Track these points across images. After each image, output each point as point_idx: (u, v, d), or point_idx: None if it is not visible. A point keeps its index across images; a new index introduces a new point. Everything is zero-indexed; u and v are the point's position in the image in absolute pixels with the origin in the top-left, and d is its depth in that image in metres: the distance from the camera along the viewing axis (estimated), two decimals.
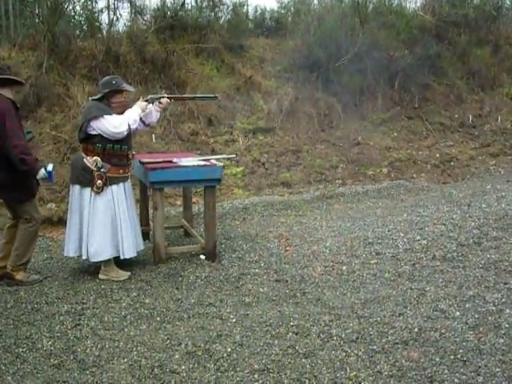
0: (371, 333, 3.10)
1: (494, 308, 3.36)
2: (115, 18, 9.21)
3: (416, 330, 3.11)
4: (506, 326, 3.12)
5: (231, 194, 6.83)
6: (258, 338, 3.08)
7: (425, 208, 5.93)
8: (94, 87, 7.26)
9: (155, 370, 2.78)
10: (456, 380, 2.61)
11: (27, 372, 2.80)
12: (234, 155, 6.63)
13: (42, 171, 3.83)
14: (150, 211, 4.94)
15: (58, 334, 3.20)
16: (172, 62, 8.31)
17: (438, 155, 8.49)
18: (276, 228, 5.46)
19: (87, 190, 3.99)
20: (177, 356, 2.91)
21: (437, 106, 9.68)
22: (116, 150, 4.04)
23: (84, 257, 4.08)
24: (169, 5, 9.36)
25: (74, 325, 3.33)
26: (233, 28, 10.07)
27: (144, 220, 5.12)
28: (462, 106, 9.87)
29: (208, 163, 4.55)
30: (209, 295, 3.75)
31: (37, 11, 9.43)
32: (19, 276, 3.99)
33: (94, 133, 3.97)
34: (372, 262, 4.32)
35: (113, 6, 9.42)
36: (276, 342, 3.04)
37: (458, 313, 3.32)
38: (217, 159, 4.87)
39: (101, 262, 4.08)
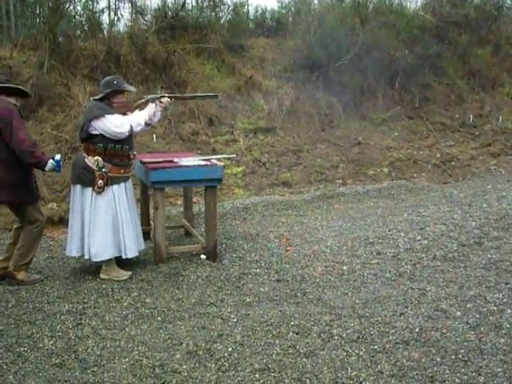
0: (372, 332, 3.10)
1: (495, 308, 3.37)
2: (116, 19, 9.24)
3: (417, 329, 3.11)
4: (507, 325, 3.12)
5: (232, 193, 6.83)
6: (259, 338, 3.09)
7: (425, 208, 5.93)
8: (94, 87, 7.27)
9: (156, 369, 2.78)
10: (457, 380, 2.61)
11: (29, 371, 2.80)
12: (234, 155, 6.64)
13: (51, 162, 3.85)
14: (151, 211, 4.94)
15: (60, 334, 3.20)
16: (173, 61, 8.32)
17: (438, 155, 8.49)
18: (277, 228, 5.47)
19: (88, 190, 3.99)
20: (178, 355, 2.92)
21: (437, 105, 9.68)
22: (117, 150, 4.04)
23: (86, 257, 4.08)
24: (169, 5, 9.39)
25: (75, 324, 3.33)
26: (233, 28, 10.07)
27: (145, 220, 5.12)
28: (463, 105, 9.86)
29: (209, 163, 4.55)
30: (210, 295, 3.76)
31: (38, 11, 9.44)
32: (20, 275, 3.99)
33: (95, 133, 3.97)
34: (373, 261, 4.33)
35: (114, 7, 9.45)
36: (277, 341, 3.04)
37: (458, 313, 3.32)
38: (217, 159, 4.88)
39: (102, 261, 4.09)
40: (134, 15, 9.50)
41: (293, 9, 12.63)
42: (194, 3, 10.18)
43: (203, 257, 4.46)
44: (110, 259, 4.09)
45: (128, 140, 4.12)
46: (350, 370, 2.72)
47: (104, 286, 3.96)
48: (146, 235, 4.89)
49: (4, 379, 2.73)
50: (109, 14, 9.53)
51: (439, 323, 3.19)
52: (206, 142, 7.62)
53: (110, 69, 7.60)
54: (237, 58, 9.49)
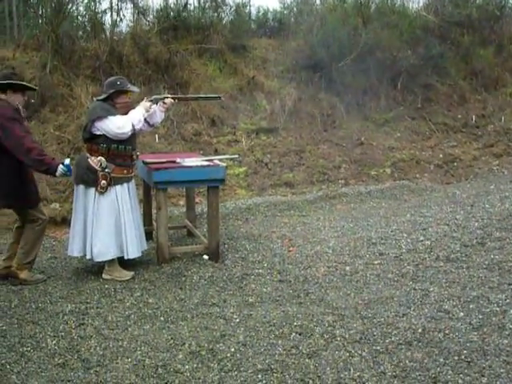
0: (375, 333, 3.10)
1: (498, 309, 3.35)
2: (118, 19, 9.25)
3: (420, 330, 3.11)
4: (511, 326, 3.11)
5: (234, 194, 6.83)
6: (262, 338, 3.09)
7: (428, 208, 5.92)
8: (97, 88, 7.28)
9: (159, 369, 2.78)
10: (460, 381, 2.60)
11: (31, 371, 2.81)
12: (236, 155, 6.64)
13: (61, 167, 3.81)
14: (154, 211, 4.95)
15: (62, 334, 3.21)
16: (175, 62, 8.32)
17: (441, 155, 8.48)
18: (279, 228, 5.46)
19: (91, 190, 4.00)
20: (180, 356, 2.92)
21: (440, 106, 9.66)
22: (120, 151, 4.05)
23: (88, 257, 4.09)
24: (172, 5, 9.38)
25: (77, 324, 3.34)
26: (235, 28, 10.07)
27: (147, 220, 5.13)
28: (466, 106, 9.84)
29: (211, 163, 4.55)
30: (212, 295, 3.76)
31: (40, 12, 9.45)
32: (23, 275, 4.00)
33: (98, 133, 3.98)
34: (375, 262, 4.32)
35: (116, 7, 9.46)
36: (279, 342, 3.04)
37: (461, 313, 3.31)
38: (220, 159, 4.88)
39: (104, 261, 4.09)
40: (136, 16, 9.51)
41: (295, 9, 12.63)
42: (196, 4, 10.20)
43: (206, 257, 4.46)
44: (113, 259, 4.10)
45: (131, 140, 4.12)
46: (352, 371, 2.71)
47: (107, 286, 3.97)
48: (149, 235, 4.90)
49: (7, 379, 2.73)
50: (111, 14, 9.55)
51: (442, 324, 3.18)
52: (209, 142, 7.62)
53: (112, 69, 7.62)
54: (239, 59, 9.49)
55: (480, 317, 3.25)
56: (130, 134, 4.04)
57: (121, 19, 9.35)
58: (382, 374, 2.68)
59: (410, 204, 6.37)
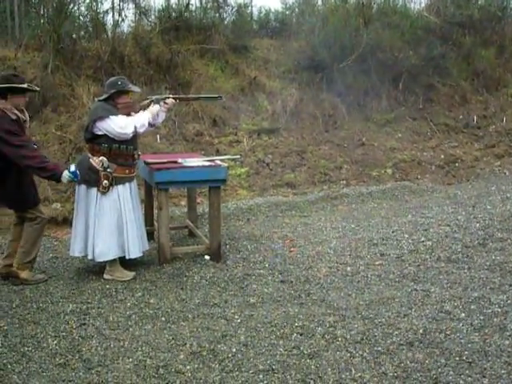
0: (376, 334, 3.10)
1: (499, 310, 3.35)
2: (120, 19, 9.24)
3: (421, 331, 3.11)
4: None
5: (236, 194, 6.83)
6: (263, 339, 3.09)
7: (429, 209, 5.92)
8: (99, 88, 7.28)
9: (160, 369, 2.78)
10: (461, 382, 2.60)
11: (32, 371, 2.81)
12: (238, 156, 6.64)
13: (67, 174, 3.77)
14: (155, 211, 4.95)
15: (64, 334, 3.21)
16: (177, 62, 8.33)
17: (442, 156, 8.47)
18: (280, 229, 5.47)
19: (93, 190, 4.00)
20: (182, 356, 2.92)
21: (441, 106, 9.66)
22: (122, 150, 4.05)
23: (89, 257, 4.09)
24: (173, 6, 9.38)
25: (79, 324, 3.34)
26: (237, 29, 10.08)
27: (149, 220, 5.13)
28: (467, 106, 9.83)
29: (213, 164, 4.56)
30: (213, 295, 3.76)
31: (42, 12, 9.46)
32: (24, 275, 4.00)
33: (100, 133, 3.99)
34: (376, 263, 4.32)
35: (118, 7, 9.46)
36: (281, 342, 3.04)
37: (463, 314, 3.31)
38: (221, 160, 4.88)
39: (106, 262, 4.10)
40: (138, 16, 9.52)
41: (297, 10, 12.63)
42: (198, 4, 10.19)
43: (207, 257, 4.47)
44: (114, 259, 4.10)
45: (133, 140, 4.13)
46: (353, 371, 2.71)
47: (108, 286, 3.97)
48: (150, 236, 4.90)
49: (8, 379, 2.74)
50: (113, 14, 9.54)
51: (443, 325, 3.18)
52: (210, 142, 7.62)
53: (114, 69, 7.62)
54: (241, 59, 9.49)
55: (481, 318, 3.25)
56: (131, 135, 4.05)
57: (122, 19, 9.35)
58: (383, 374, 2.68)
59: (412, 205, 6.36)
